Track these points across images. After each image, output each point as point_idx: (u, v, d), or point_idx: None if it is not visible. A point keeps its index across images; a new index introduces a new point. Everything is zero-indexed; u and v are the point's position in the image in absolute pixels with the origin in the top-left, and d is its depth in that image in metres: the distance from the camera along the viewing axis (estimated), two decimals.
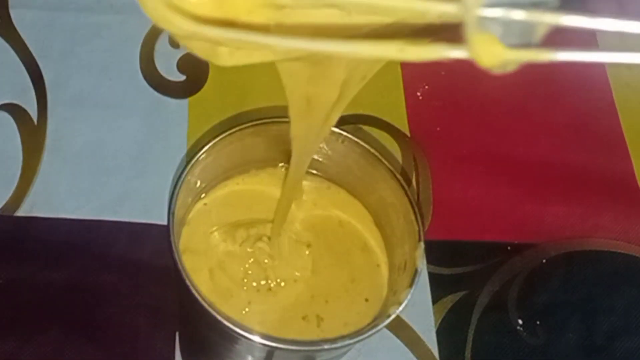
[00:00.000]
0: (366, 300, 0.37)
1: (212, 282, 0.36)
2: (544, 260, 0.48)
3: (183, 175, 0.35)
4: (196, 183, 0.37)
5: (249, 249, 0.38)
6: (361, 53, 0.23)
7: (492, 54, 0.21)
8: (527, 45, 0.21)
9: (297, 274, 0.37)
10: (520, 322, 0.46)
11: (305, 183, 0.40)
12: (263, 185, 0.39)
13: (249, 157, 0.39)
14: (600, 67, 0.55)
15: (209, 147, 0.36)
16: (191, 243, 0.37)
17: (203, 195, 0.38)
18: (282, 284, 0.37)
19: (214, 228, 0.38)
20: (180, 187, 0.35)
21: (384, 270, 0.38)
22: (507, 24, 0.21)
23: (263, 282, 0.37)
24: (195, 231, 0.38)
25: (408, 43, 0.22)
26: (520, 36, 0.21)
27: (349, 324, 0.36)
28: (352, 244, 0.39)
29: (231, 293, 0.37)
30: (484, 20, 0.20)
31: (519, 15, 0.20)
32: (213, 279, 0.37)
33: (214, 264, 0.37)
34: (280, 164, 0.40)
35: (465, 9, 0.20)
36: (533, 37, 0.22)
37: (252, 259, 0.37)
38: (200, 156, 0.36)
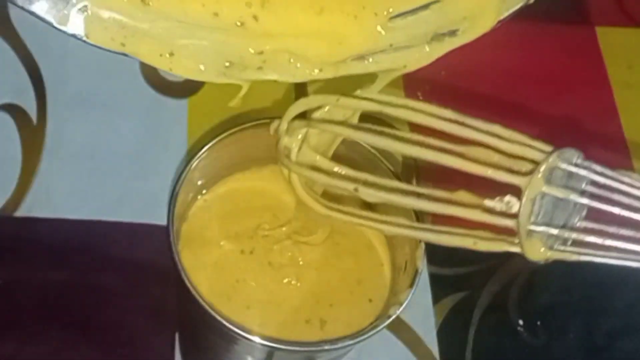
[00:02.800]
0: (370, 300, 0.37)
1: (212, 281, 0.36)
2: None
3: (183, 175, 0.35)
4: (197, 181, 0.37)
5: (249, 246, 0.38)
6: (442, 242, 0.32)
7: (537, 253, 0.29)
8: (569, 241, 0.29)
9: (299, 273, 0.37)
10: (520, 322, 0.46)
11: None
12: (264, 182, 0.39)
13: (249, 156, 0.39)
14: (600, 67, 0.55)
15: (210, 146, 0.36)
16: (191, 239, 0.37)
17: (204, 191, 0.38)
18: (285, 282, 0.37)
19: (215, 224, 0.38)
20: (180, 186, 0.35)
21: (387, 270, 0.38)
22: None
23: (265, 280, 0.37)
24: (196, 227, 0.38)
25: (480, 238, 0.31)
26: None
27: (351, 325, 0.36)
28: (358, 241, 0.38)
29: (231, 292, 0.36)
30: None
31: (555, 231, 0.28)
32: (213, 276, 0.37)
33: (214, 261, 0.37)
34: None
35: (519, 224, 0.28)
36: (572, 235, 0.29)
37: (253, 257, 0.37)
38: (201, 155, 0.36)
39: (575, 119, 0.53)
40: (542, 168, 0.28)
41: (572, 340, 0.46)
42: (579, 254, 0.28)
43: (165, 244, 0.34)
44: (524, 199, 0.28)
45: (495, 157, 0.30)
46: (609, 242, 0.28)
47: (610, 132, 0.53)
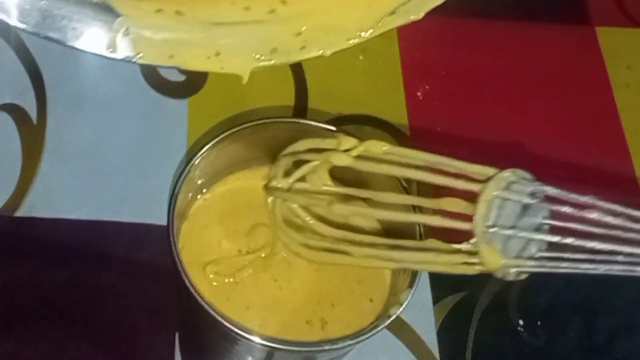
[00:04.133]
0: (371, 300, 0.37)
1: (212, 280, 0.36)
2: None
3: (183, 175, 0.35)
4: (197, 180, 0.37)
5: (249, 246, 0.38)
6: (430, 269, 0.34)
7: (495, 260, 0.30)
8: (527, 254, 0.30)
9: (299, 272, 0.37)
10: (520, 322, 0.46)
11: None
12: (264, 181, 0.39)
13: (249, 155, 0.39)
14: (600, 67, 0.55)
15: (210, 146, 0.36)
16: (191, 238, 0.37)
17: (204, 191, 0.38)
18: (286, 283, 0.37)
19: (214, 224, 0.38)
20: (180, 186, 0.35)
21: (387, 270, 0.38)
22: (509, 239, 0.30)
23: (265, 280, 0.37)
24: (196, 226, 0.38)
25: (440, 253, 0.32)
26: (520, 249, 0.30)
27: (352, 325, 0.36)
28: None
29: (231, 292, 0.36)
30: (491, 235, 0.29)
31: (509, 232, 0.30)
32: (213, 275, 0.37)
33: (214, 260, 0.37)
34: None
35: (475, 225, 0.30)
36: (532, 250, 0.30)
37: (253, 256, 0.37)
38: (201, 155, 0.36)
39: (575, 119, 0.53)
40: (498, 176, 0.30)
41: (572, 340, 0.46)
42: (539, 266, 0.29)
43: (165, 244, 0.34)
44: (479, 201, 0.30)
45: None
46: (567, 255, 0.29)
47: (610, 132, 0.53)
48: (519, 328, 0.46)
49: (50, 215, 0.45)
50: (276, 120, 0.38)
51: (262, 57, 0.35)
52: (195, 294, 0.33)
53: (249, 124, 0.37)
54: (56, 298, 0.43)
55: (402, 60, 0.54)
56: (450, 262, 0.32)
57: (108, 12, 0.33)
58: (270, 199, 0.36)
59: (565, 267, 0.29)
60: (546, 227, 0.30)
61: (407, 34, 0.55)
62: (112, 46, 0.33)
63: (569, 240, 0.29)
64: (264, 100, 0.51)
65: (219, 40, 0.35)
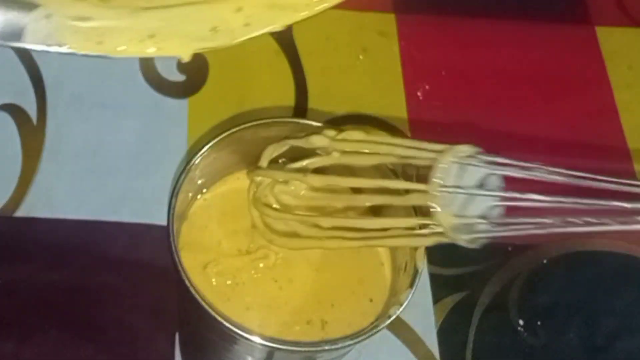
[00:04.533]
0: (371, 300, 0.37)
1: (212, 280, 0.36)
2: (544, 261, 0.48)
3: (183, 175, 0.35)
4: (197, 180, 0.37)
5: (249, 245, 0.38)
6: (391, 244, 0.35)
7: (447, 221, 0.31)
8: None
9: (299, 272, 0.37)
10: (521, 322, 0.46)
11: None
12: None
13: (249, 155, 0.39)
14: (600, 67, 0.55)
15: (210, 146, 0.36)
16: (191, 238, 0.37)
17: (204, 191, 0.38)
18: (286, 283, 0.37)
19: (214, 223, 0.38)
20: (180, 186, 0.35)
21: (388, 270, 0.38)
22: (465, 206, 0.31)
23: (265, 280, 0.37)
24: (196, 226, 0.38)
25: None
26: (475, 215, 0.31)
27: (352, 325, 0.36)
28: None
29: (231, 292, 0.36)
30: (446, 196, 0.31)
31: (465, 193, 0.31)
32: (213, 275, 0.37)
33: (214, 260, 0.37)
34: (281, 160, 0.40)
35: (430, 188, 0.31)
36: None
37: (253, 256, 0.37)
38: (201, 154, 0.36)
39: (575, 119, 0.53)
40: (456, 147, 0.32)
41: (572, 340, 0.46)
42: (491, 230, 0.30)
43: (165, 244, 0.34)
44: (435, 165, 0.31)
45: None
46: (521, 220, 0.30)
47: (610, 132, 0.53)
48: (519, 328, 0.46)
49: (50, 216, 0.45)
50: (276, 120, 0.38)
51: (203, 37, 0.34)
52: (195, 294, 0.33)
53: (249, 124, 0.37)
54: (56, 298, 0.43)
55: (402, 60, 0.54)
56: (408, 228, 0.33)
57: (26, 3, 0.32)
58: (249, 182, 0.36)
59: (516, 230, 0.30)
60: (500, 194, 0.31)
61: (407, 34, 0.55)
62: (34, 36, 0.32)
63: (521, 203, 0.30)
64: (264, 100, 0.51)
65: (151, 24, 0.34)
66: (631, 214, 0.29)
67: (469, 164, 0.31)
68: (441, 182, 0.30)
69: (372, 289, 0.37)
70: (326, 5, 0.35)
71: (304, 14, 0.35)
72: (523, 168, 0.31)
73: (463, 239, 0.31)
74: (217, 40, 0.35)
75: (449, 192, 0.30)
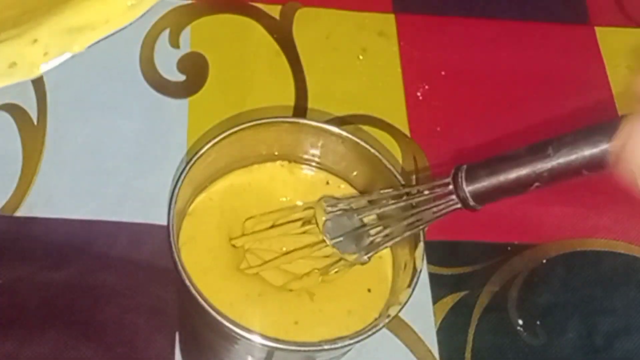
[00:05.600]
0: (369, 290, 0.37)
1: (212, 279, 0.36)
2: (544, 261, 0.48)
3: (184, 174, 0.35)
4: (197, 180, 0.37)
5: (249, 244, 0.38)
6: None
7: (352, 258, 0.36)
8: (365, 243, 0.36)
9: (303, 266, 0.37)
10: (520, 322, 0.46)
11: (306, 181, 0.40)
12: (266, 177, 0.39)
13: (249, 155, 0.39)
14: (599, 67, 0.55)
15: (210, 146, 0.36)
16: (191, 238, 0.37)
17: (204, 190, 0.38)
18: (285, 283, 0.37)
19: (214, 223, 0.38)
20: (180, 186, 0.35)
21: (388, 267, 0.38)
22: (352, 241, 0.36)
23: (264, 281, 0.37)
24: (195, 226, 0.38)
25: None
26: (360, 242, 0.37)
27: (352, 312, 0.36)
28: None
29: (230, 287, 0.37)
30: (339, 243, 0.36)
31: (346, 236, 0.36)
32: (212, 275, 0.37)
33: (213, 260, 0.37)
34: (280, 162, 0.40)
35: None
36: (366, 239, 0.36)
37: (253, 255, 0.37)
38: (201, 154, 0.36)
39: (575, 119, 0.53)
40: (317, 204, 0.37)
41: (572, 340, 0.46)
42: (375, 246, 0.36)
43: (165, 243, 0.34)
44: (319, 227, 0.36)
45: None
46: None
47: None
48: (518, 328, 0.46)
49: (50, 215, 0.45)
50: (276, 120, 0.38)
51: (2, 74, 0.34)
52: (196, 294, 0.33)
53: (249, 124, 0.37)
54: (56, 298, 0.43)
55: (402, 60, 0.54)
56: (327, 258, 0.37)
57: None
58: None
59: (388, 239, 0.35)
60: (363, 221, 0.37)
61: (407, 34, 0.55)
62: None
63: (375, 227, 0.36)
64: (264, 100, 0.51)
65: None
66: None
67: (333, 213, 0.36)
68: (329, 235, 0.36)
69: (369, 278, 0.37)
70: (125, 22, 0.36)
71: (104, 31, 0.35)
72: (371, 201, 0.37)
73: (365, 260, 0.36)
74: (16, 75, 0.35)
75: (339, 241, 0.36)
